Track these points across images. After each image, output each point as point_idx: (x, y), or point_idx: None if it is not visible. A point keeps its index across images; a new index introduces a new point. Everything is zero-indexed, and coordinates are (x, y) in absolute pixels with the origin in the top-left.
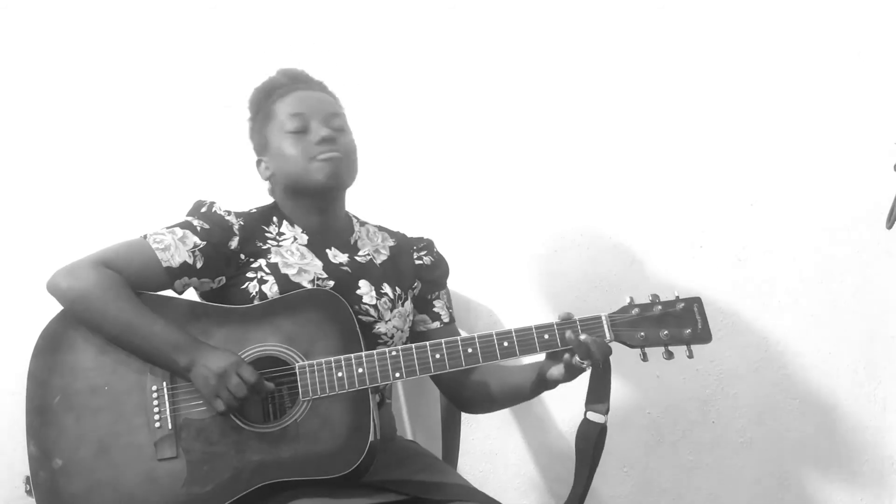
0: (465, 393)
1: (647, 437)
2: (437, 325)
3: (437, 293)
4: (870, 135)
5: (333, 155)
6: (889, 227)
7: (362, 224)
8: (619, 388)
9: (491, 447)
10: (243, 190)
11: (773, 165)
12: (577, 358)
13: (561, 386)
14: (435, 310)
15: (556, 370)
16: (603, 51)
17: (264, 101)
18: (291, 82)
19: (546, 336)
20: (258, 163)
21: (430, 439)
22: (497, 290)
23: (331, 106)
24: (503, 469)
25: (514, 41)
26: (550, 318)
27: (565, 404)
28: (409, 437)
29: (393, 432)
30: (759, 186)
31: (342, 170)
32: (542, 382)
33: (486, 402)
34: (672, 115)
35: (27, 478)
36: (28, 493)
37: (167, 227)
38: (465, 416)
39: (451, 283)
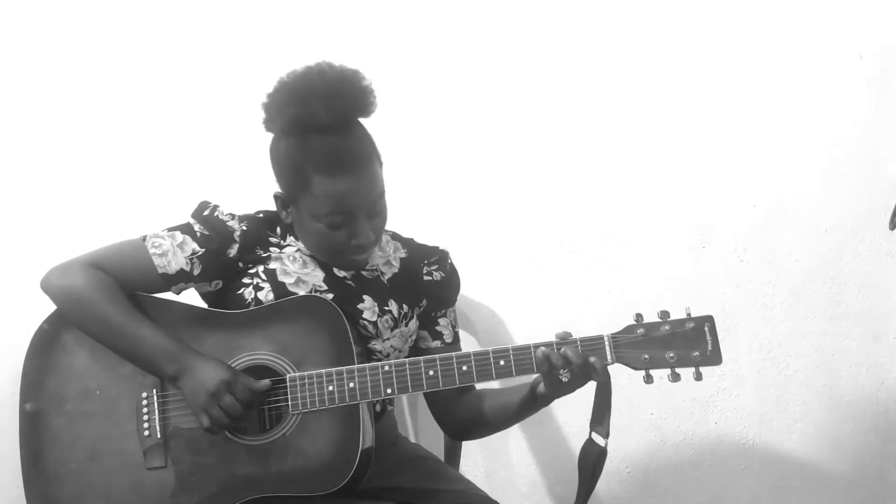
0: (457, 414)
1: (650, 437)
2: (437, 343)
3: (442, 311)
4: (872, 137)
5: (366, 256)
6: (892, 228)
7: None
8: (621, 390)
9: (493, 449)
10: (248, 189)
11: (776, 166)
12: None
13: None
14: (438, 328)
15: (542, 384)
16: (604, 52)
17: (299, 145)
18: (336, 133)
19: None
20: (276, 198)
21: (433, 440)
22: (499, 291)
23: (374, 188)
24: (505, 470)
25: (514, 44)
26: (552, 320)
27: (567, 407)
28: (413, 439)
29: (394, 439)
30: (762, 187)
31: (372, 253)
32: (533, 398)
33: (477, 425)
34: (673, 117)
35: None
36: None
37: (168, 230)
38: None
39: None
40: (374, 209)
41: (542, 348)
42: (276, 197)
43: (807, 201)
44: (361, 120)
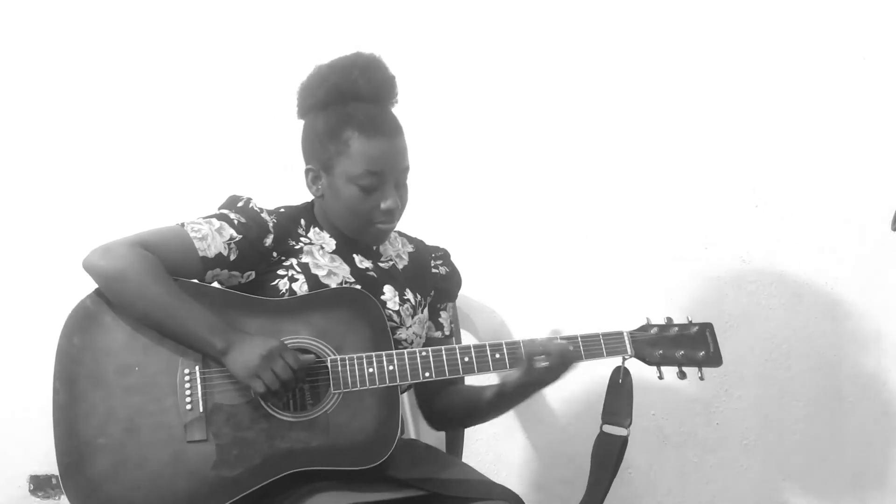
0: (437, 404)
1: (652, 438)
2: (438, 334)
3: (445, 304)
4: (874, 137)
5: (391, 227)
6: (894, 228)
7: None
8: None
9: (495, 449)
10: (270, 186)
11: (779, 167)
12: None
13: (565, 387)
14: (440, 320)
15: (511, 374)
16: (609, 55)
17: (338, 112)
18: (374, 102)
19: (570, 347)
20: (307, 171)
21: (434, 440)
22: (501, 292)
23: (405, 158)
24: (507, 471)
25: (520, 46)
26: (553, 321)
27: (569, 407)
28: (414, 437)
29: (403, 434)
30: (764, 188)
31: (392, 229)
32: (503, 391)
33: (454, 415)
34: (677, 118)
35: (31, 477)
36: (31, 492)
37: (204, 217)
38: None
39: None
40: (402, 180)
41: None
42: (307, 171)
43: (809, 202)
44: None
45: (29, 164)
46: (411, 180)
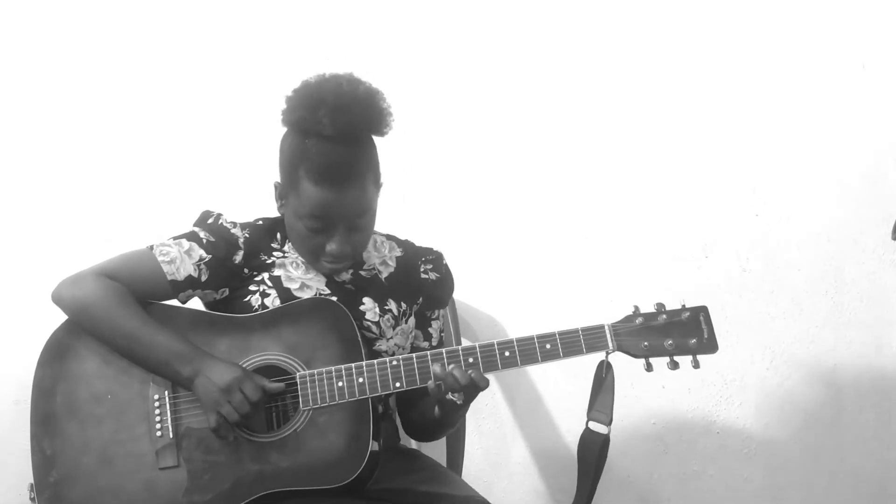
0: (409, 414)
1: (652, 446)
2: (426, 344)
3: (436, 313)
4: (874, 146)
5: (340, 266)
6: (894, 237)
7: None
8: (624, 398)
9: (495, 457)
10: (249, 197)
11: (779, 176)
12: (449, 393)
13: (565, 395)
14: (429, 329)
15: (435, 411)
16: (611, 57)
17: (298, 145)
18: (338, 143)
19: (548, 346)
20: (275, 185)
21: (434, 448)
22: (501, 298)
23: (357, 206)
24: (507, 479)
25: (519, 43)
26: (553, 328)
27: (569, 414)
28: (413, 446)
29: (396, 442)
30: (765, 196)
31: (346, 267)
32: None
33: (416, 426)
34: (678, 125)
35: (31, 485)
36: (32, 500)
37: (173, 238)
38: (469, 425)
39: (455, 291)
40: (356, 224)
41: (431, 384)
42: (275, 186)
43: (809, 210)
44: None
45: None
46: (410, 182)
